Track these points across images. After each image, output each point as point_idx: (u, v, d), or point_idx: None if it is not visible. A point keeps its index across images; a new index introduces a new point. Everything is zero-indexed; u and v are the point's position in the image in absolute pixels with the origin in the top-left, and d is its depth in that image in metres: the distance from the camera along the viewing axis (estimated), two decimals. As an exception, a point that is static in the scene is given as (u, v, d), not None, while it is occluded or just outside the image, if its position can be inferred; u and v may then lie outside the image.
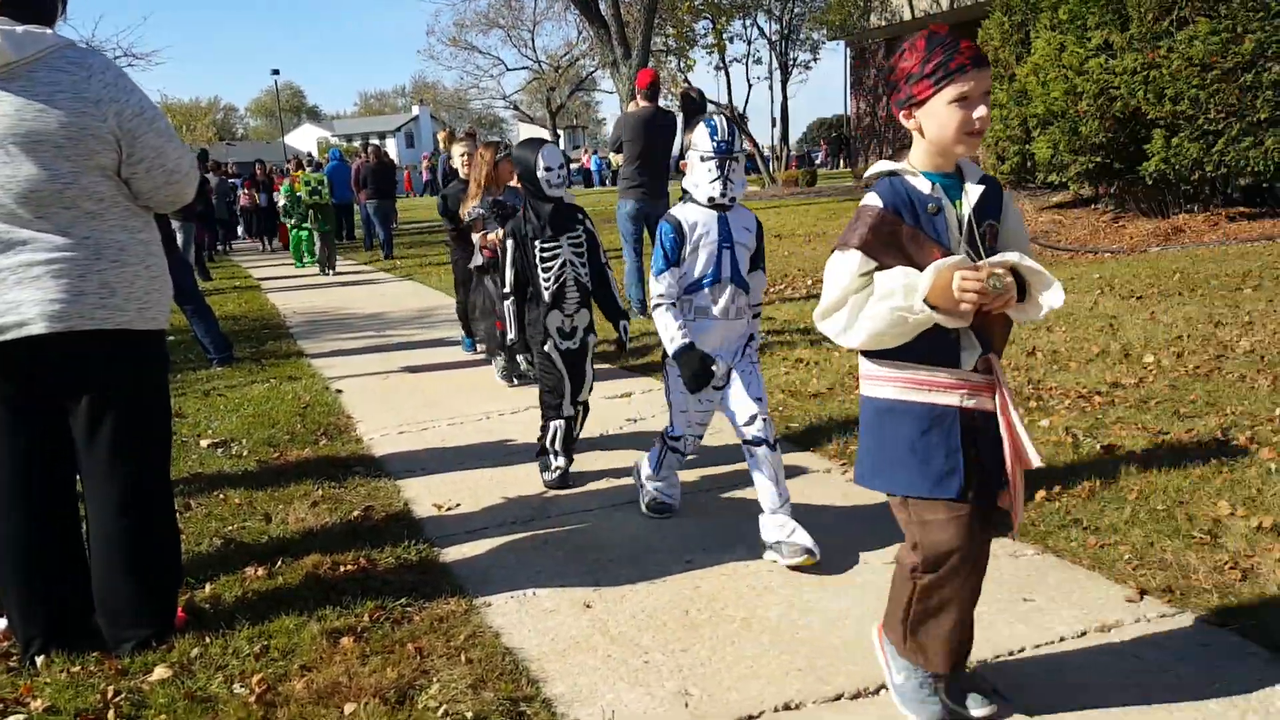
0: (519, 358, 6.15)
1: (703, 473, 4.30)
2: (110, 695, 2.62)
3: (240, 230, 23.98)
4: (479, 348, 6.91)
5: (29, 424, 2.78)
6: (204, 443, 5.13)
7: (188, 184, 2.90)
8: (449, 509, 4.04)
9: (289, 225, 16.65)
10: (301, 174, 14.64)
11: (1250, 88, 9.91)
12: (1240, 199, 11.64)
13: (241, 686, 2.63)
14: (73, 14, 2.88)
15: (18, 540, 2.79)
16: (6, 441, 2.77)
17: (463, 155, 6.88)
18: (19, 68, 2.59)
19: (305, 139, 73.92)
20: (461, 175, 6.81)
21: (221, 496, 4.24)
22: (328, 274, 14.75)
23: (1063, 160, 12.00)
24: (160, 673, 2.72)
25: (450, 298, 10.90)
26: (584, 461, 4.55)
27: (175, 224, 11.30)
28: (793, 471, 4.21)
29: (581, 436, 4.93)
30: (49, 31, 2.68)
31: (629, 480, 4.24)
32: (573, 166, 51.38)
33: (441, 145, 13.45)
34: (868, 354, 2.23)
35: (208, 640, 2.88)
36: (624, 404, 5.58)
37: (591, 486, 4.23)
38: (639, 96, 8.49)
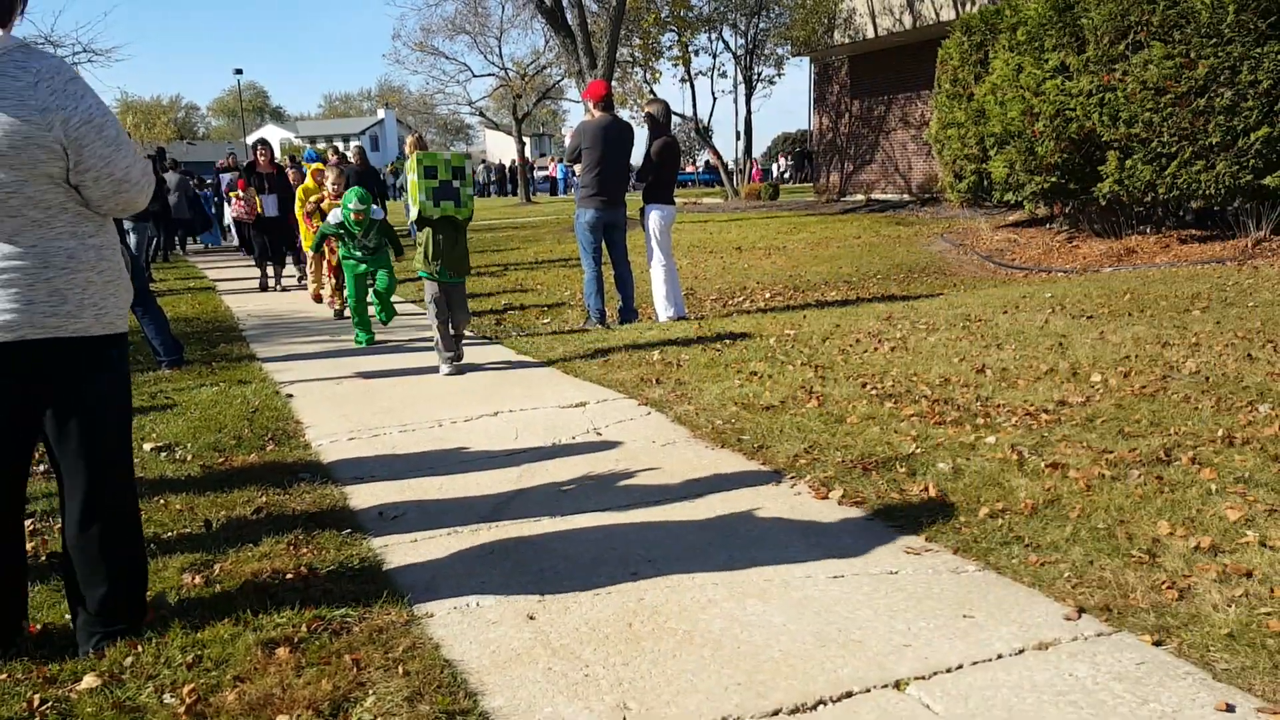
0: None
1: (654, 484, 4.29)
2: (36, 704, 2.56)
3: (230, 234, 20.82)
4: None
5: None
6: (147, 446, 5.05)
7: (138, 192, 2.85)
8: (396, 517, 3.99)
9: (336, 258, 9.37)
10: (417, 155, 6.62)
11: (1203, 112, 10.11)
12: (1192, 221, 11.87)
13: (172, 697, 2.58)
14: (31, 8, 2.81)
15: None
16: None
17: None
18: None
19: (269, 139, 73.27)
20: None
21: (162, 502, 4.16)
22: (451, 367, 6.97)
23: (1019, 179, 12.18)
24: (89, 681, 2.66)
25: (410, 304, 10.86)
26: (534, 471, 4.53)
27: (128, 224, 11.17)
28: (740, 482, 4.23)
29: (533, 446, 4.93)
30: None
31: (580, 491, 4.23)
32: (539, 175, 51.47)
33: (407, 150, 13.37)
34: None
35: (139, 649, 2.82)
36: (578, 413, 5.56)
37: (541, 497, 4.20)
38: (594, 108, 8.51)
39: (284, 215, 12.62)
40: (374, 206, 8.27)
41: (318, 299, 11.07)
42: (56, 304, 2.67)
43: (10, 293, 2.62)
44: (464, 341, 7.36)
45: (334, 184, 9.66)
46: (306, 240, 10.69)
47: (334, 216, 8.14)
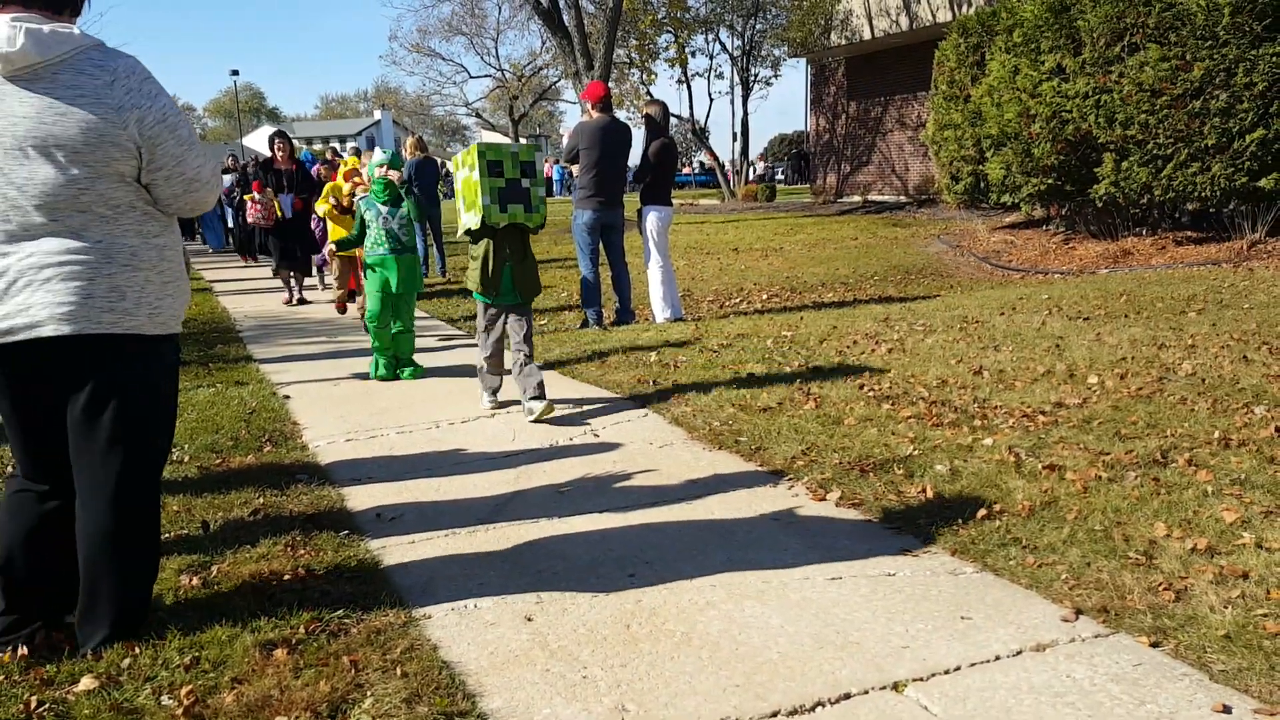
0: None
1: (652, 485, 4.29)
2: (33, 705, 2.56)
3: (229, 238, 19.57)
4: None
5: (37, 424, 2.78)
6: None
7: (208, 191, 2.89)
8: (393, 518, 3.99)
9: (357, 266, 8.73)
10: (479, 148, 5.23)
11: (1198, 114, 10.13)
12: (1188, 223, 11.89)
13: (170, 698, 2.58)
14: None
15: (25, 536, 2.82)
16: (17, 441, 2.81)
17: None
18: (43, 69, 2.57)
19: (264, 141, 73.11)
20: None
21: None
22: (494, 400, 5.85)
23: (1015, 181, 12.19)
24: (86, 683, 2.65)
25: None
26: (531, 473, 4.53)
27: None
28: (738, 484, 4.23)
29: (531, 447, 4.93)
30: (76, 31, 2.65)
31: (577, 492, 4.24)
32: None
33: (407, 153, 13.24)
34: None
35: (137, 650, 2.82)
36: (575, 414, 5.56)
37: (539, 498, 4.20)
38: (592, 109, 8.51)
39: (304, 217, 11.20)
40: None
41: (342, 309, 10.07)
42: (115, 300, 2.70)
43: (71, 285, 2.64)
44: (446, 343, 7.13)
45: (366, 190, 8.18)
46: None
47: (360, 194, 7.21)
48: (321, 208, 9.62)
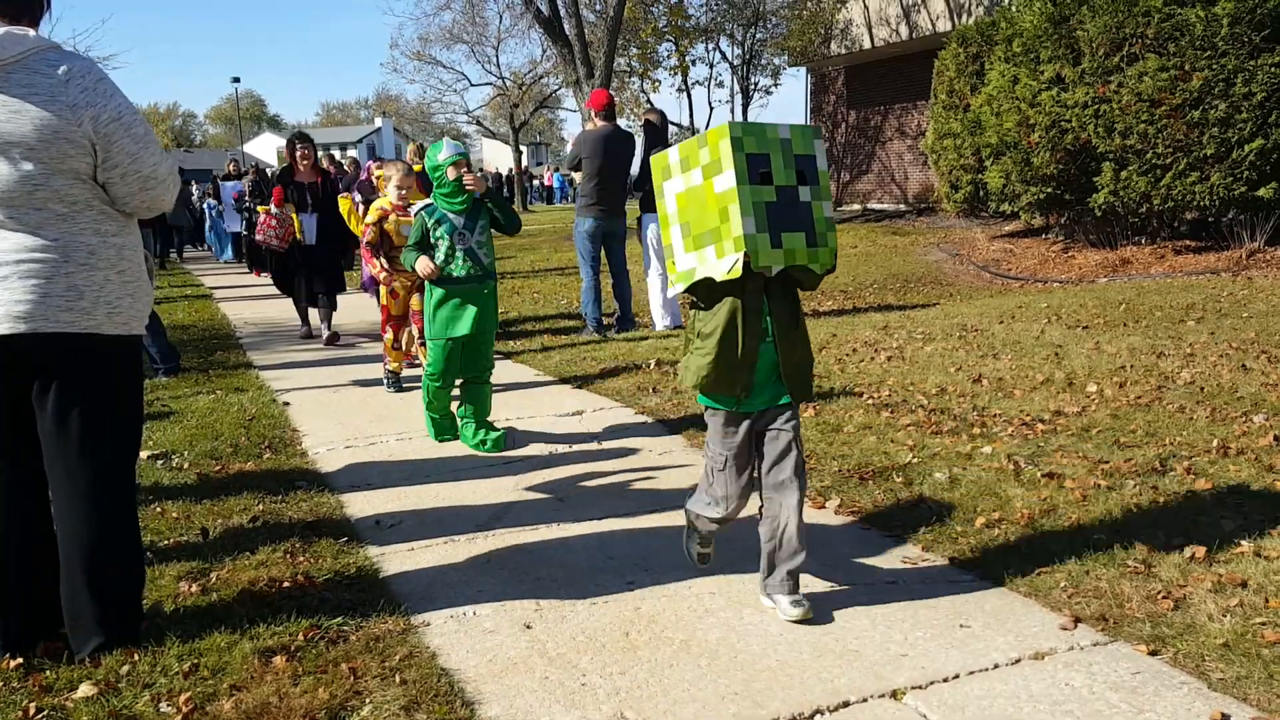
0: None
1: (651, 491, 4.29)
2: (32, 712, 2.56)
3: (232, 249, 19.09)
4: None
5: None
6: (143, 454, 5.03)
7: (164, 190, 2.89)
8: (392, 526, 3.99)
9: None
10: (730, 132, 2.70)
11: (1197, 124, 10.15)
12: (1186, 233, 11.91)
13: (168, 705, 2.58)
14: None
15: None
16: None
17: None
18: None
19: (265, 148, 73.16)
20: None
21: (159, 510, 4.16)
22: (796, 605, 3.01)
23: (1014, 190, 12.21)
24: (85, 690, 2.65)
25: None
26: (531, 480, 4.53)
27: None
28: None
29: (530, 455, 4.93)
30: (31, 34, 2.66)
31: (576, 499, 4.23)
32: (535, 183, 51.50)
33: (409, 157, 13.20)
34: None
35: (136, 657, 2.82)
36: (575, 421, 5.57)
37: (538, 505, 4.20)
38: (595, 117, 8.53)
39: (329, 242, 8.83)
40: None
41: (395, 380, 6.71)
42: (72, 299, 2.70)
43: (29, 284, 2.65)
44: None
45: (400, 187, 6.37)
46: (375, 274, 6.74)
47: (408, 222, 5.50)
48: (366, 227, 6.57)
